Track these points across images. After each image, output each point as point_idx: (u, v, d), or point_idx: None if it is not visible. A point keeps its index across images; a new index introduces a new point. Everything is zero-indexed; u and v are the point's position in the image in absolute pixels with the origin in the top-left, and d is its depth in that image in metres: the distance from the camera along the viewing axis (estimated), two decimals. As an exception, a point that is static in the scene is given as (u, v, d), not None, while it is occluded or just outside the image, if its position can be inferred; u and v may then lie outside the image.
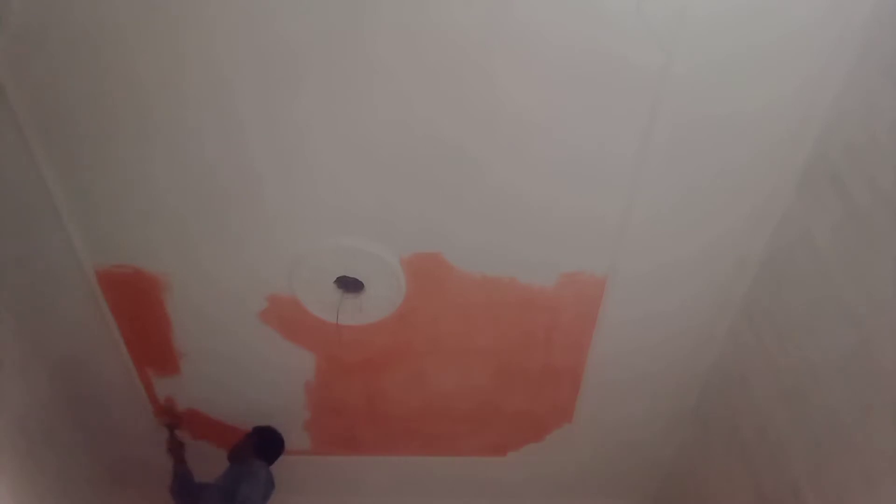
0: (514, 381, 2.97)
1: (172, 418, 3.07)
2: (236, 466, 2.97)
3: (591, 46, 1.91)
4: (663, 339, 2.76)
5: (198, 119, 2.10)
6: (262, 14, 1.87)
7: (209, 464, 3.00)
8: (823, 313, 2.13)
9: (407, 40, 1.92)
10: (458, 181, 2.24)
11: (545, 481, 3.48)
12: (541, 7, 1.86)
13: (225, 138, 2.14)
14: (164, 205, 2.33)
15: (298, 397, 3.05)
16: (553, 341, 2.79)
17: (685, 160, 2.17)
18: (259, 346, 2.79)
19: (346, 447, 3.34)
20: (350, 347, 2.80)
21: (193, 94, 2.04)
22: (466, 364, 2.90)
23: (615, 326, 2.69)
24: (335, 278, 2.55)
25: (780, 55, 1.94)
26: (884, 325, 1.88)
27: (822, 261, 2.12)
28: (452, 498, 3.50)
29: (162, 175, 2.24)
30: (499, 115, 2.07)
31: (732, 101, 2.02)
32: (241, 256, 2.47)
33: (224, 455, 3.08)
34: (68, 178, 2.27)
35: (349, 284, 2.58)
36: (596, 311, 2.66)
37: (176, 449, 2.99)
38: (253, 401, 3.07)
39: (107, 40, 1.94)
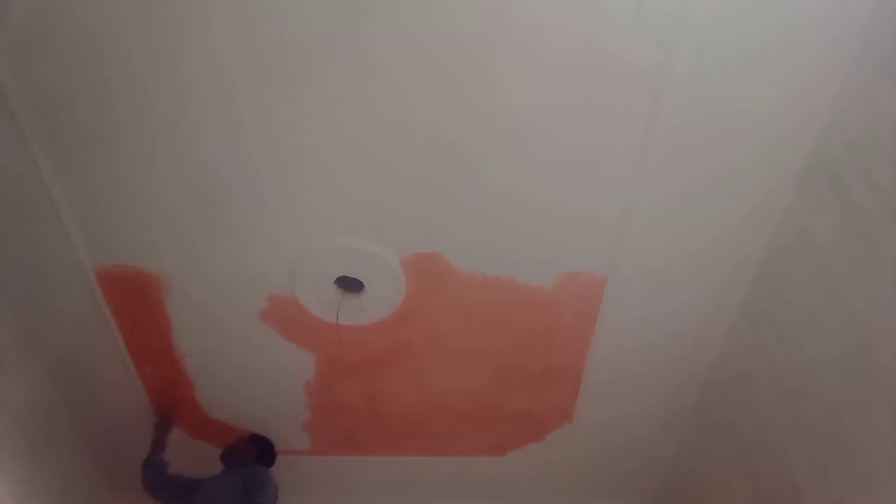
0: (514, 381, 2.97)
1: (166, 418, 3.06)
2: (242, 470, 2.97)
3: (591, 45, 1.92)
4: (663, 339, 2.76)
5: (198, 119, 2.10)
6: (263, 13, 1.88)
7: (207, 464, 3.00)
8: (823, 313, 2.13)
9: (408, 39, 1.92)
10: (459, 181, 2.24)
11: (545, 481, 3.48)
12: (541, 6, 1.86)
13: (226, 138, 2.14)
14: (164, 204, 2.33)
15: (298, 397, 3.05)
16: (553, 341, 2.79)
17: (685, 159, 2.17)
18: (259, 345, 2.79)
19: (346, 447, 3.34)
20: (350, 347, 2.80)
21: (194, 93, 2.04)
22: (466, 364, 2.90)
23: (615, 326, 2.69)
24: (335, 278, 2.55)
25: (779, 54, 1.94)
26: (884, 324, 1.88)
27: (822, 261, 2.12)
28: (452, 498, 3.50)
29: (162, 175, 2.24)
30: (499, 114, 2.07)
31: (732, 100, 2.03)
32: (241, 256, 2.47)
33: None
34: (68, 178, 2.28)
35: (349, 284, 2.58)
36: (596, 311, 2.66)
37: (162, 429, 2.98)
38: (253, 401, 3.07)
39: (107, 40, 1.94)
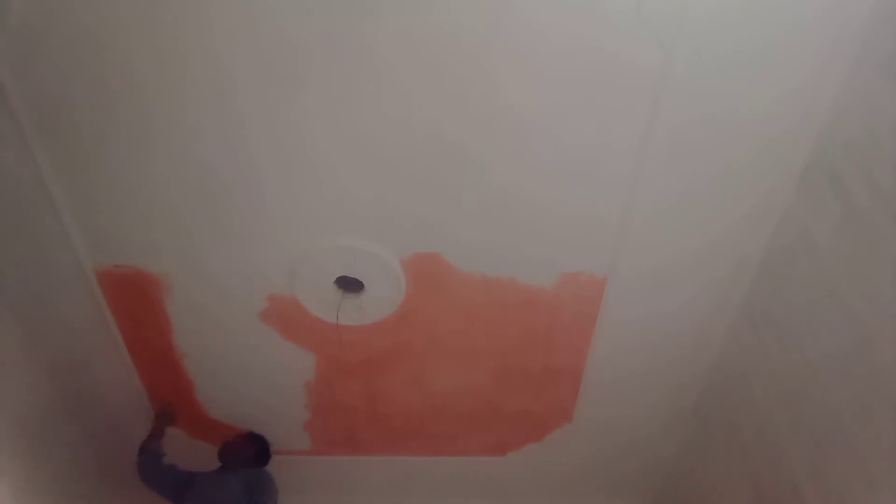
0: (514, 381, 2.97)
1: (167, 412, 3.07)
2: (243, 471, 2.97)
3: (591, 45, 1.92)
4: (663, 339, 2.76)
5: (198, 119, 2.10)
6: (264, 13, 1.87)
7: (207, 464, 3.01)
8: (823, 313, 2.13)
9: (408, 40, 1.92)
10: (459, 181, 2.24)
11: (545, 481, 3.48)
12: (541, 6, 1.86)
13: (226, 138, 2.14)
14: (164, 205, 2.33)
15: (298, 397, 3.05)
16: (553, 341, 2.79)
17: (685, 159, 2.17)
18: (259, 345, 2.79)
19: (346, 447, 3.34)
20: (350, 347, 2.80)
21: (194, 93, 2.04)
22: (466, 364, 2.90)
23: (615, 326, 2.69)
24: (335, 278, 2.55)
25: (779, 54, 1.94)
26: (884, 324, 1.88)
27: (822, 260, 2.12)
28: (452, 498, 3.50)
29: (162, 175, 2.24)
30: (499, 114, 2.07)
31: (732, 100, 2.03)
32: (241, 256, 2.47)
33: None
34: (68, 178, 2.27)
35: (349, 284, 2.58)
36: (596, 311, 2.66)
37: (163, 420, 2.99)
38: (253, 401, 3.07)
39: (107, 40, 1.94)
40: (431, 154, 2.17)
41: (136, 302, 2.66)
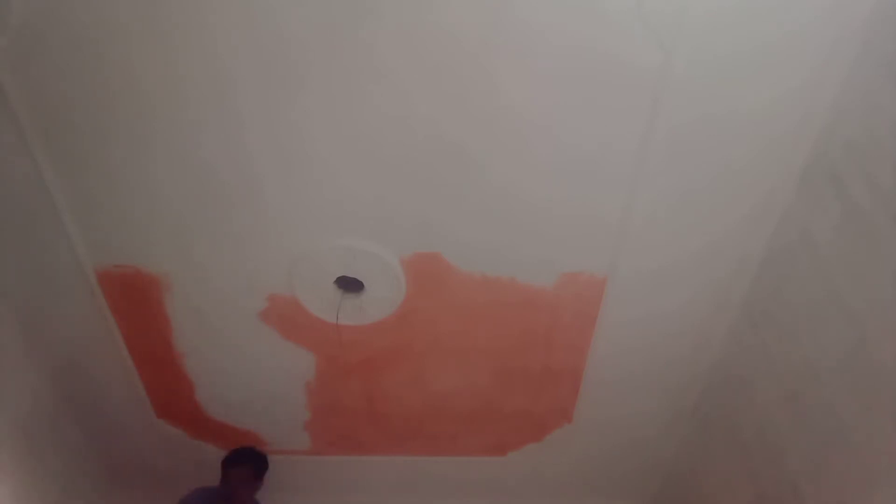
0: (514, 381, 2.97)
1: None
2: None
3: (591, 45, 1.92)
4: (663, 339, 2.76)
5: (198, 119, 2.10)
6: (264, 13, 1.88)
7: (209, 464, 3.01)
8: (823, 313, 2.13)
9: (408, 39, 1.92)
10: (459, 181, 2.24)
11: (545, 481, 3.48)
12: (541, 6, 1.86)
13: (226, 138, 2.14)
14: (164, 205, 2.33)
15: (298, 397, 3.05)
16: (553, 341, 2.79)
17: (685, 159, 2.17)
18: (259, 345, 2.79)
19: (346, 447, 3.34)
20: (350, 347, 2.80)
21: (194, 93, 2.04)
22: (466, 364, 2.90)
23: (615, 326, 2.69)
24: (335, 278, 2.55)
25: (780, 54, 1.94)
26: (884, 324, 1.88)
27: (822, 260, 2.12)
28: (452, 498, 3.49)
29: (162, 175, 2.24)
30: (499, 114, 2.07)
31: (732, 100, 2.02)
32: (241, 256, 2.47)
33: (222, 455, 3.08)
34: (68, 179, 2.28)
35: (349, 284, 2.58)
36: (596, 311, 2.66)
37: None
38: (253, 401, 3.07)
39: (107, 40, 1.94)
40: (431, 154, 2.17)
41: (136, 302, 2.66)
